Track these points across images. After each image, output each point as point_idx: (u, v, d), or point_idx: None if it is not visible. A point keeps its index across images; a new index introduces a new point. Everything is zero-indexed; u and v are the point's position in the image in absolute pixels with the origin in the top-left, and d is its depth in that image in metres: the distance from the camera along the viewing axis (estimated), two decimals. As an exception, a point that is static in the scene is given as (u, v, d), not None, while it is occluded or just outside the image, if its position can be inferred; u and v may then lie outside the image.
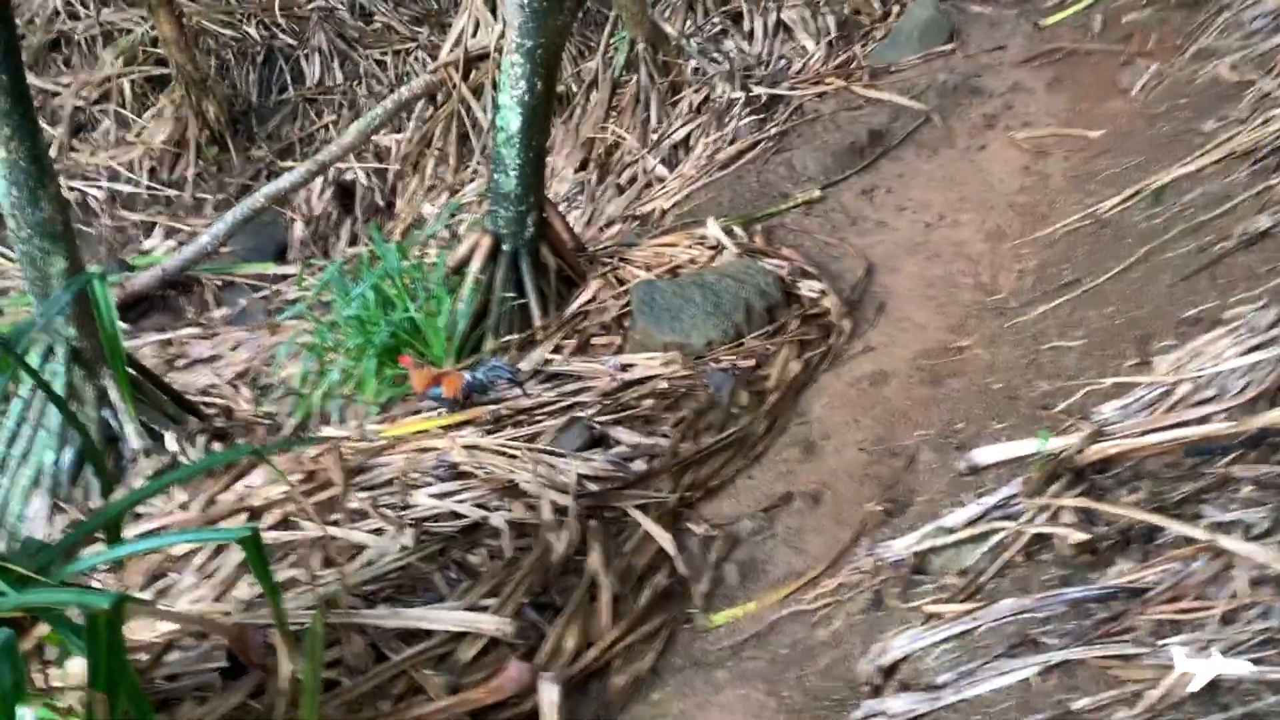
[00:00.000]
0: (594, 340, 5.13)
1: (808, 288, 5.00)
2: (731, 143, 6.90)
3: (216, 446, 5.07)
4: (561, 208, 7.34)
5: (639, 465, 3.84)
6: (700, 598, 3.20)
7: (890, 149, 6.54)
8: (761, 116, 7.06)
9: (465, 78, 8.77)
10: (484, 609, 3.02)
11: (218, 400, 6.43)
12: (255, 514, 4.03)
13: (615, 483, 3.71)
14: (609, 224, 6.90)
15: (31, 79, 11.05)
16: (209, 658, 2.93)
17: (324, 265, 9.08)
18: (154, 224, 10.24)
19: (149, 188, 10.46)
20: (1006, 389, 3.62)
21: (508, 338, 5.17)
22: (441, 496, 3.68)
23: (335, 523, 3.77)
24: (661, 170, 7.13)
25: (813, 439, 3.97)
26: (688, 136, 7.22)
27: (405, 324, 5.19)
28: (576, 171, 7.55)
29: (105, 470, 2.80)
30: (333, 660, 2.80)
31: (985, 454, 3.13)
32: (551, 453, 3.94)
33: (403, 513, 3.67)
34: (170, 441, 5.09)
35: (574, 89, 8.11)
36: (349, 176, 9.93)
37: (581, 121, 7.70)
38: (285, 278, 9.24)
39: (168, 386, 5.59)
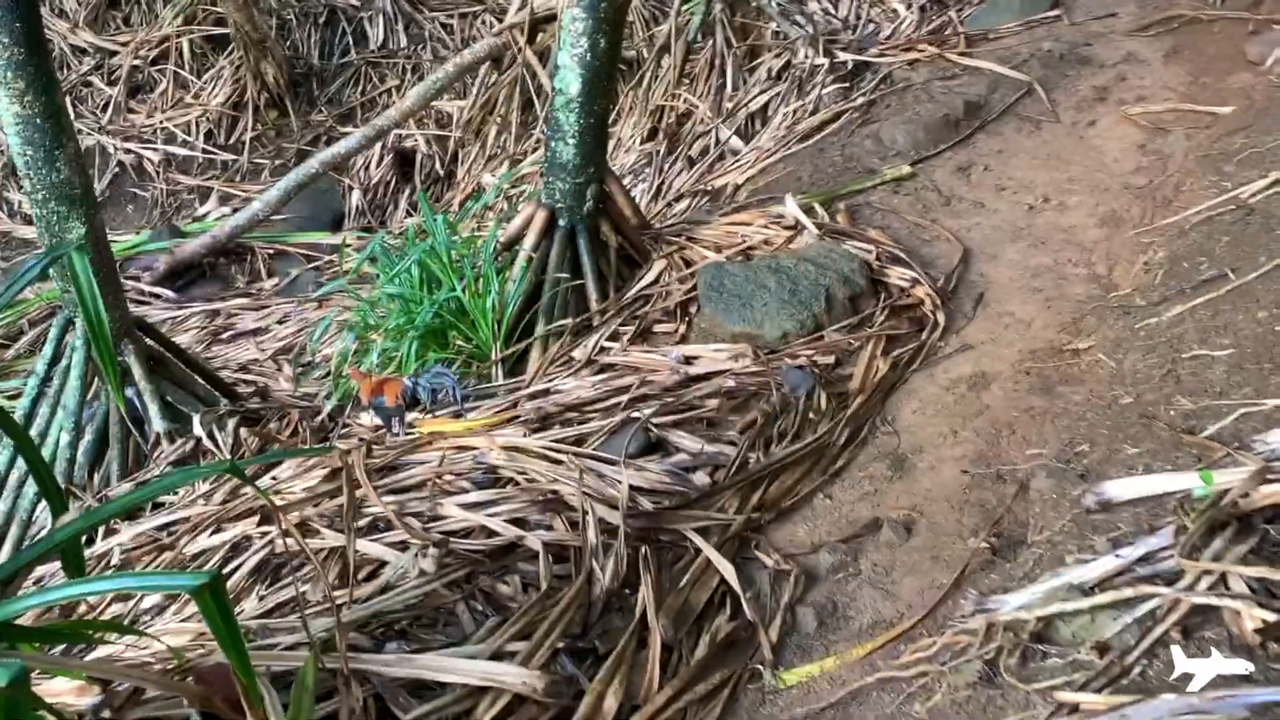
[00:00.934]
0: (655, 327, 4.63)
1: (897, 275, 4.45)
2: (813, 113, 6.34)
3: (245, 433, 4.67)
4: (626, 180, 6.84)
5: (700, 478, 3.34)
6: (769, 648, 2.69)
7: (988, 122, 5.93)
8: (846, 85, 6.48)
9: (530, 40, 8.27)
10: (512, 655, 2.54)
11: (257, 378, 6.06)
12: (269, 518, 3.60)
13: (673, 498, 3.21)
14: (677, 198, 6.39)
15: (89, 37, 10.80)
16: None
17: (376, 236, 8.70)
18: (209, 189, 9.92)
19: (205, 151, 10.13)
20: (1139, 405, 3.05)
21: (561, 322, 4.69)
22: (474, 507, 3.21)
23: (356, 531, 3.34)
24: (736, 142, 6.59)
25: (902, 452, 3.43)
26: (765, 105, 6.67)
27: (451, 304, 4.73)
28: (644, 142, 7.03)
29: (56, 488, 2.36)
30: (326, 716, 2.34)
31: (1119, 488, 2.58)
32: (601, 459, 3.45)
33: (430, 524, 3.21)
34: (196, 425, 4.70)
35: (644, 54, 7.58)
36: (409, 144, 9.52)
37: (651, 88, 7.16)
38: (339, 248, 8.85)
39: (199, 364, 5.19)
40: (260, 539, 3.65)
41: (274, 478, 4.25)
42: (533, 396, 4.25)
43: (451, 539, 3.07)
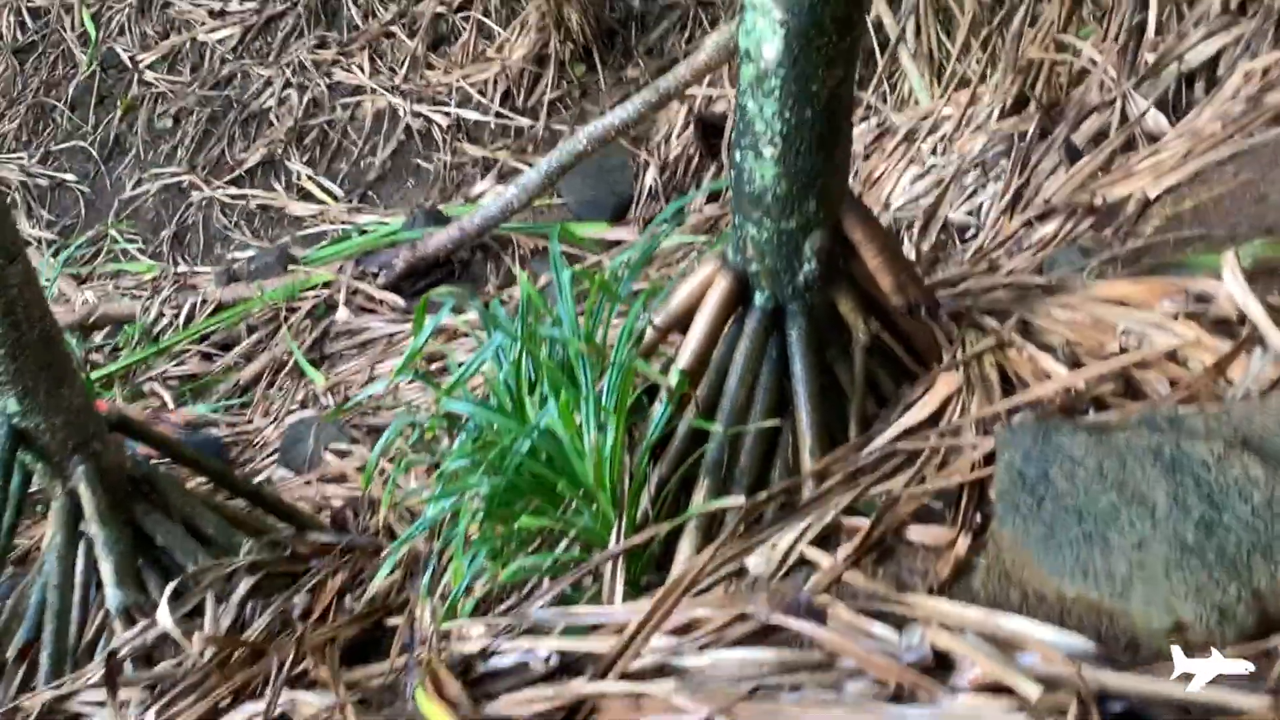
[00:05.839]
0: (910, 532, 2.30)
1: None
2: (1298, 73, 3.61)
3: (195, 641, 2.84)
4: (970, 179, 4.39)
5: None
6: None
7: None
8: (1366, 22, 3.66)
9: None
10: None
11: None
12: None
13: None
14: (1043, 214, 3.87)
15: (394, -20, 9.53)
16: None
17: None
18: (495, 161, 8.33)
19: (499, 115, 8.56)
20: None
21: (729, 501, 2.47)
22: None
23: None
24: (1155, 119, 3.94)
25: None
26: (1214, 60, 3.95)
27: (547, 444, 2.63)
28: (1005, 115, 4.49)
29: None
30: None
31: None
32: None
33: None
34: (161, 610, 2.91)
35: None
36: (719, 108, 7.40)
37: (1023, 34, 4.58)
38: (617, 243, 6.95)
39: (227, 477, 3.43)
40: None
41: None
42: (633, 677, 2.10)
43: None
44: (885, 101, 5.53)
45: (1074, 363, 2.53)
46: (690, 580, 2.29)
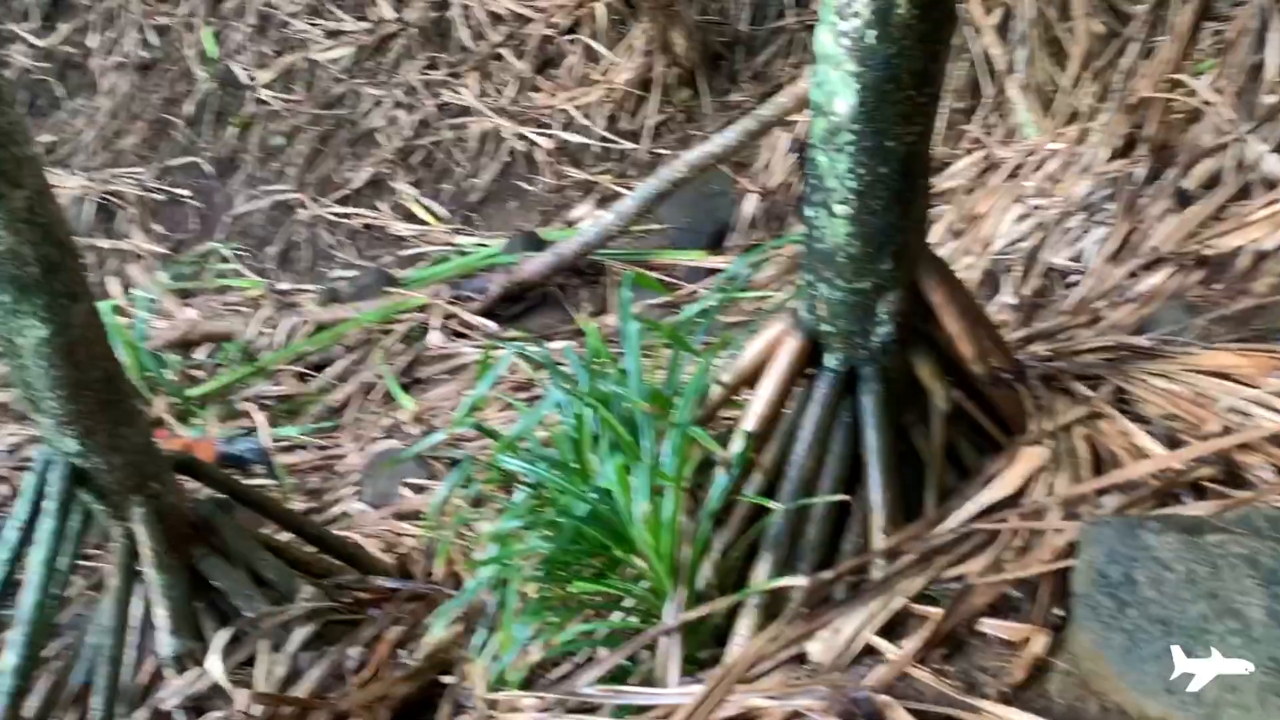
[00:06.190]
0: (983, 624, 2.14)
1: None
2: None
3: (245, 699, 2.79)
4: (1074, 222, 4.17)
5: None
6: None
7: None
8: None
9: (981, -8, 5.64)
10: None
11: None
12: None
13: None
14: (1150, 264, 3.64)
15: (508, 2, 9.54)
16: None
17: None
18: (596, 184, 8.26)
19: (602, 139, 8.48)
20: None
21: (791, 581, 2.33)
22: None
23: None
24: (1274, 166, 3.68)
25: None
26: (1342, 100, 3.69)
27: (604, 506, 2.52)
28: (1114, 158, 4.24)
29: None
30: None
31: None
32: None
33: None
34: (210, 657, 2.88)
35: (1124, 12, 4.69)
36: (822, 135, 7.21)
37: (1135, 69, 4.33)
38: (713, 272, 6.81)
39: (286, 516, 3.40)
40: None
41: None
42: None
43: None
44: (990, 134, 5.30)
45: (1171, 440, 2.34)
46: (745, 668, 2.17)
